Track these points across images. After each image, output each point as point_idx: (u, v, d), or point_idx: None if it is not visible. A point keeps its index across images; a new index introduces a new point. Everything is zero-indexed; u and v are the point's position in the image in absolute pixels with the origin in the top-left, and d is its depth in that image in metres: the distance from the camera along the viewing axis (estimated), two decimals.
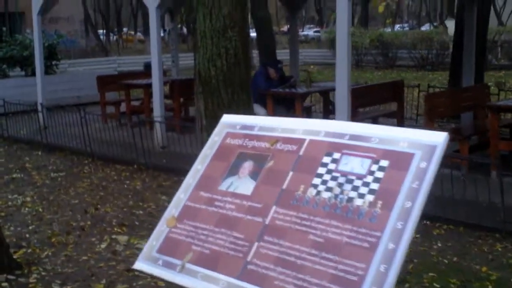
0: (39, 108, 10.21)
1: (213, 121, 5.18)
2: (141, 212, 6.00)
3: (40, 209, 6.19)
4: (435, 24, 40.30)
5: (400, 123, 8.40)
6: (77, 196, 6.64)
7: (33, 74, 12.94)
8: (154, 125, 8.88)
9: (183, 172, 7.10)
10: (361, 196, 1.80)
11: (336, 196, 1.85)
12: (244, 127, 2.33)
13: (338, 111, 6.72)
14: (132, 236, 5.25)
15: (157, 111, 8.76)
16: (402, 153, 1.83)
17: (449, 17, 34.20)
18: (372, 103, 8.66)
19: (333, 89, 9.31)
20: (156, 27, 8.74)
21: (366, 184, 1.82)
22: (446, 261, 4.56)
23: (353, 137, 1.98)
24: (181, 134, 9.29)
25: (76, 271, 4.54)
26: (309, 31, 48.25)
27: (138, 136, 7.95)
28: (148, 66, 17.77)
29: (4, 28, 17.35)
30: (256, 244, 1.91)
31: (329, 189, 1.89)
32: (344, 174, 1.89)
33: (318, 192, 1.90)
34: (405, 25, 49.16)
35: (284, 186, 2.00)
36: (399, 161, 1.81)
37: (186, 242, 2.08)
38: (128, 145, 8.68)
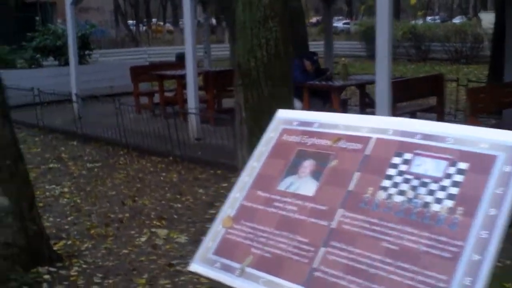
0: (74, 98, 10.23)
1: (253, 114, 5.10)
2: (179, 205, 5.94)
3: (78, 200, 6.17)
4: (468, 16, 39.62)
5: (440, 119, 8.19)
6: (114, 188, 6.62)
7: (66, 63, 13.02)
8: (188, 117, 8.81)
9: (219, 165, 7.07)
10: (439, 201, 1.68)
11: (409, 200, 1.73)
12: (302, 123, 2.21)
13: (379, 106, 6.57)
14: (171, 230, 5.19)
15: (192, 103, 8.69)
16: (483, 155, 1.70)
17: (483, 10, 33.58)
18: (412, 97, 8.46)
19: (370, 82, 9.16)
20: (190, 17, 8.66)
21: (443, 188, 1.70)
22: None
23: (425, 136, 1.85)
24: (215, 126, 9.25)
25: (117, 264, 4.50)
26: (338, 23, 47.83)
27: (173, 127, 7.90)
28: (180, 57, 17.78)
29: (37, 18, 17.48)
30: (322, 249, 1.80)
31: (401, 193, 1.77)
32: (417, 176, 1.77)
33: (389, 196, 1.78)
34: (436, 17, 48.44)
35: (350, 188, 1.88)
36: (480, 163, 1.69)
37: (245, 244, 1.98)
38: (162, 136, 8.64)
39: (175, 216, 5.60)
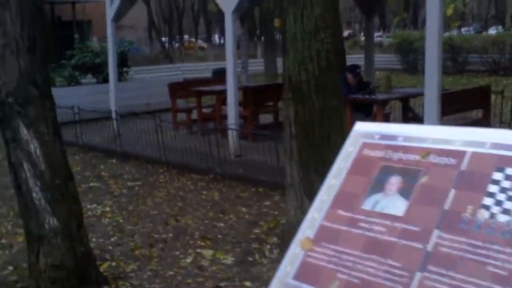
0: (113, 115, 10.21)
1: (303, 128, 4.94)
2: (222, 224, 5.79)
3: (120, 220, 6.07)
4: (504, 26, 38.96)
5: None
6: (155, 207, 6.50)
7: (104, 81, 13.06)
8: (227, 133, 8.69)
9: (260, 183, 6.90)
10: None
11: None
12: (385, 136, 2.04)
13: (427, 119, 6.37)
14: (216, 250, 5.04)
15: (232, 119, 8.57)
16: None
17: None
18: (459, 110, 8.21)
19: (415, 95, 8.94)
20: (232, 32, 8.56)
21: None
22: None
23: None
24: (254, 142, 9.12)
25: (163, 287, 4.36)
26: None
27: (212, 144, 7.81)
28: (216, 73, 17.78)
29: (76, 36, 17.64)
30: (418, 274, 1.62)
31: (506, 212, 1.59)
32: None
33: (492, 215, 1.60)
34: (470, 28, 47.79)
35: (446, 207, 1.71)
36: None
37: (329, 268, 1.81)
38: (201, 153, 8.55)
39: (219, 236, 5.45)
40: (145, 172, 8.26)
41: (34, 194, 4.11)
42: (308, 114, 4.90)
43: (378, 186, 1.90)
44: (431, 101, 6.33)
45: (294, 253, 1.98)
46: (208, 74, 22.49)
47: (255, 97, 9.71)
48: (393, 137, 2.02)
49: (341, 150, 2.17)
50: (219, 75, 15.97)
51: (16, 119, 4.08)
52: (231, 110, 8.61)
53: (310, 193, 4.84)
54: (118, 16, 11.01)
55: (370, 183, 1.92)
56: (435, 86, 6.25)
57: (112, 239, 5.48)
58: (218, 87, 10.21)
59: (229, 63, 8.66)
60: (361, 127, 2.19)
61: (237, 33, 9.24)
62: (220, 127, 9.43)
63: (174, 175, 7.93)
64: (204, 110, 11.17)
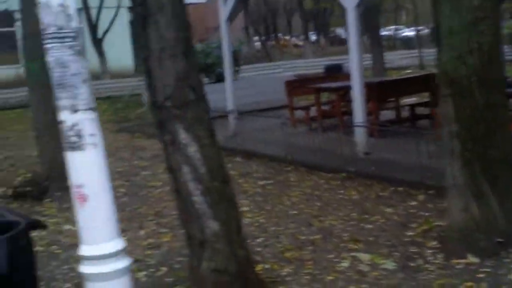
0: (232, 114, 10.21)
1: (466, 126, 4.60)
2: (370, 226, 5.54)
3: (262, 220, 5.96)
4: None
5: None
6: (293, 206, 6.35)
7: (218, 80, 13.13)
8: (355, 130, 8.42)
9: (398, 182, 6.55)
10: None
11: None
12: None
13: None
14: (373, 254, 4.79)
15: (359, 115, 8.27)
16: None
17: None
18: None
19: None
20: (355, 27, 8.28)
21: None
22: None
23: None
24: (379, 139, 8.82)
25: None
26: None
27: (337, 141, 7.59)
28: (330, 69, 17.54)
29: None
30: None
31: None
32: None
33: None
34: None
35: None
36: None
37: None
38: (326, 151, 8.36)
39: (370, 238, 5.20)
40: (272, 170, 8.13)
41: (194, 198, 4.03)
42: (470, 110, 4.57)
43: None
44: None
45: None
46: (309, 71, 22.32)
47: (379, 93, 9.39)
48: None
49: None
50: (333, 71, 15.77)
51: (175, 122, 4.01)
52: (358, 106, 8.32)
53: (477, 195, 4.52)
54: (231, 16, 11.00)
55: None
56: None
57: (259, 240, 5.36)
58: (336, 84, 9.97)
59: (354, 59, 8.38)
60: None
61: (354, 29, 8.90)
62: (345, 124, 9.18)
63: (303, 173, 7.76)
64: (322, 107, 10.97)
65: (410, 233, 5.21)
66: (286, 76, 22.45)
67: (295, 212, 6.15)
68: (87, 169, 3.09)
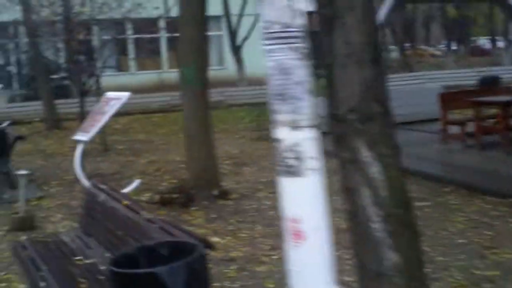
0: None
1: None
2: None
3: (425, 248, 5.33)
4: None
5: None
6: (460, 234, 5.73)
7: None
8: None
9: None
10: None
11: None
12: None
13: None
14: None
15: None
16: None
17: None
18: None
19: None
20: None
21: None
22: None
23: None
24: None
25: None
26: None
27: (499, 161, 6.85)
28: (486, 81, 16.38)
29: None
30: None
31: None
32: None
33: None
34: None
35: None
36: None
37: None
38: (489, 171, 7.61)
39: None
40: (427, 190, 7.50)
41: (373, 225, 3.59)
42: None
43: None
44: None
45: None
46: (455, 82, 21.14)
47: None
48: None
49: None
50: (489, 84, 14.70)
51: (357, 138, 3.59)
52: None
53: None
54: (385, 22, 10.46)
55: None
56: None
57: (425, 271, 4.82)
58: (503, 98, 9.12)
59: None
60: None
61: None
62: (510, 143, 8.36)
63: (465, 196, 7.07)
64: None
65: None
66: (427, 87, 21.58)
67: (463, 241, 5.54)
68: (306, 200, 2.65)
